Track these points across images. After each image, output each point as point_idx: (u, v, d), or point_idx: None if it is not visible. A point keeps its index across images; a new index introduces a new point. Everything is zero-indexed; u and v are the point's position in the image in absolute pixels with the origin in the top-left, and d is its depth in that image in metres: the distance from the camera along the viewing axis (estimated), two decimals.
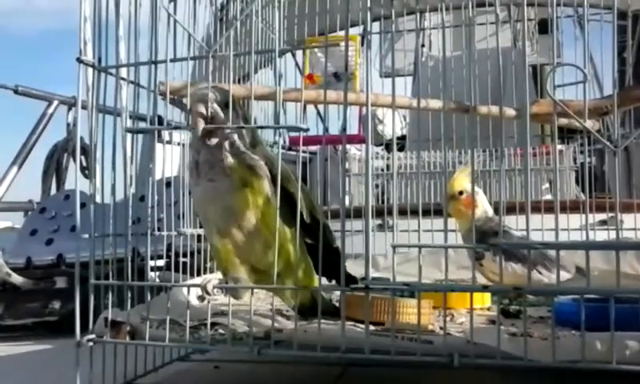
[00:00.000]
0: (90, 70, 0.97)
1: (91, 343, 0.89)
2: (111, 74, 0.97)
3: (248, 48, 1.24)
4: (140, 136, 1.10)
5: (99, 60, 0.96)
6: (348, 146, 2.03)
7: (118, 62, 0.98)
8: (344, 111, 0.88)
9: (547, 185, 2.21)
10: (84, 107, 1.00)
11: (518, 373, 0.85)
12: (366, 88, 0.88)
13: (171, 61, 0.91)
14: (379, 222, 1.56)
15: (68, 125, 3.02)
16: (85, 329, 0.91)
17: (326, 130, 1.50)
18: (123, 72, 1.01)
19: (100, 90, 0.97)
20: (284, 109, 1.49)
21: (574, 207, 1.35)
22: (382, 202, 1.92)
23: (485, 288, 0.82)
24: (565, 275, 1.06)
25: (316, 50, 1.88)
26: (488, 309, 1.10)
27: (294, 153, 2.31)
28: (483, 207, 1.16)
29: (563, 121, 1.13)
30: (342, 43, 1.54)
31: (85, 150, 1.90)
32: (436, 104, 1.15)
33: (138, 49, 0.99)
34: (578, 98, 1.00)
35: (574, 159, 2.15)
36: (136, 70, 0.98)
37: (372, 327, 0.80)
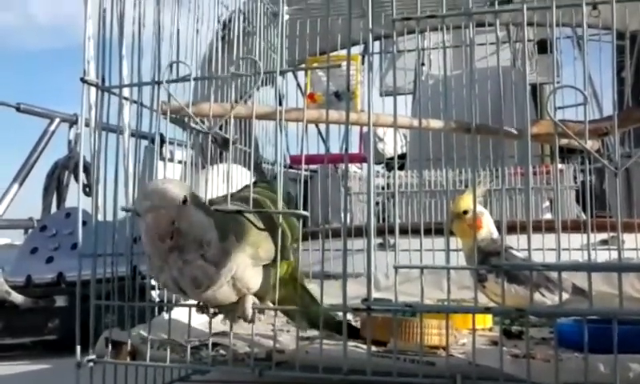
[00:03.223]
0: (93, 89, 0.98)
1: (91, 364, 0.88)
2: (114, 93, 0.98)
3: (249, 67, 1.25)
4: (141, 154, 1.10)
5: (102, 80, 0.97)
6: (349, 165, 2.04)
7: (121, 81, 0.99)
8: (345, 131, 0.89)
9: (548, 203, 2.21)
10: (87, 125, 1.01)
11: None
12: (368, 107, 0.88)
13: (173, 81, 0.92)
14: (380, 240, 1.56)
15: (69, 142, 3.03)
16: (85, 347, 0.91)
17: (327, 149, 1.51)
18: (126, 91, 1.02)
19: (103, 109, 0.98)
20: (285, 130, 1.50)
21: (574, 226, 1.35)
22: (383, 221, 1.93)
23: (487, 309, 0.81)
24: (565, 296, 1.06)
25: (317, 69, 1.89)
26: (490, 329, 1.09)
27: (294, 171, 2.32)
28: (488, 228, 1.16)
29: (563, 141, 1.13)
30: (344, 63, 1.56)
31: (86, 168, 1.90)
32: (437, 124, 1.16)
33: (141, 68, 1.00)
34: (577, 117, 1.01)
35: (574, 178, 2.16)
36: (139, 89, 0.99)
37: (374, 348, 0.80)
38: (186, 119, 1.11)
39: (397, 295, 0.76)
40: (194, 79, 0.92)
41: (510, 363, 0.73)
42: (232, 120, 0.92)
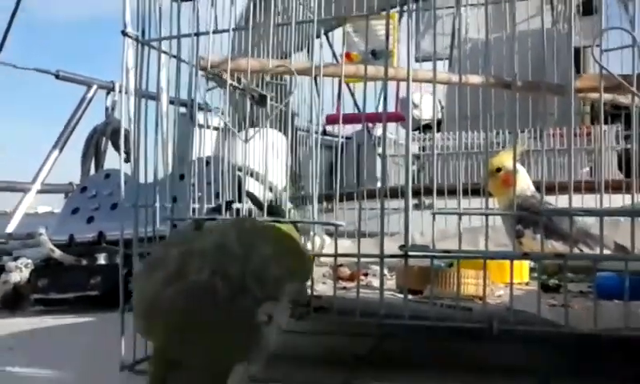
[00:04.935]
0: (132, 50, 0.99)
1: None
2: (154, 47, 0.99)
3: (286, 25, 1.25)
4: (177, 118, 1.12)
5: (142, 33, 0.98)
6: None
7: (160, 35, 1.00)
8: (383, 86, 0.89)
9: (587, 169, 2.17)
10: (124, 92, 1.02)
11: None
12: (407, 63, 0.88)
13: (213, 32, 0.92)
14: (415, 201, 1.56)
15: (106, 109, 3.09)
16: (126, 302, 0.94)
17: (364, 108, 1.50)
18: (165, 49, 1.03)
19: (143, 65, 1.00)
20: (318, 91, 1.50)
21: (616, 186, 1.32)
22: (419, 182, 1.92)
23: (525, 255, 0.81)
24: (607, 252, 1.04)
25: (351, 31, 1.87)
26: (527, 283, 1.09)
27: (329, 138, 2.32)
28: (522, 184, 1.15)
29: (607, 96, 1.10)
30: (381, 21, 1.54)
31: (125, 136, 1.94)
32: (476, 79, 1.14)
33: (180, 23, 1.01)
34: (623, 70, 0.97)
35: (617, 139, 2.11)
36: (178, 45, 1.01)
37: (410, 296, 0.80)
38: (224, 75, 1.12)
39: (434, 242, 0.76)
40: (234, 29, 0.92)
41: (547, 311, 0.73)
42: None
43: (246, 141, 0.98)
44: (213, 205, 1.21)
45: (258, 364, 0.60)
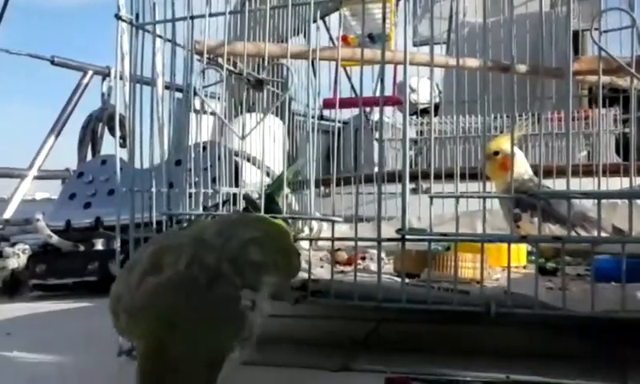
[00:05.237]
0: (126, 35, 0.98)
1: None
2: (148, 31, 0.98)
3: (283, 8, 1.24)
4: (174, 103, 1.11)
5: (137, 16, 0.97)
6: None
7: (155, 18, 0.99)
8: (380, 70, 0.88)
9: (585, 153, 2.17)
10: (120, 78, 1.01)
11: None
12: (405, 45, 0.87)
13: (209, 16, 0.91)
14: (413, 186, 1.56)
15: (102, 95, 3.08)
16: None
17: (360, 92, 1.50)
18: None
19: (138, 49, 0.99)
20: (315, 74, 1.49)
21: (614, 170, 1.32)
22: (416, 165, 1.92)
23: (523, 238, 0.81)
24: (603, 235, 1.05)
25: (348, 14, 1.87)
26: (524, 267, 1.09)
27: (326, 122, 2.32)
28: (520, 168, 1.14)
29: (606, 79, 1.10)
30: (377, 5, 1.53)
31: (120, 121, 1.94)
32: (473, 63, 1.14)
33: (174, 8, 1.00)
34: (622, 53, 0.97)
35: (615, 122, 2.10)
36: (173, 28, 1.00)
37: (407, 280, 0.80)
38: (220, 60, 1.11)
39: (431, 225, 0.76)
40: (230, 13, 0.91)
41: (545, 293, 0.73)
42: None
43: (243, 138, 0.97)
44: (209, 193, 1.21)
45: (247, 350, 0.59)
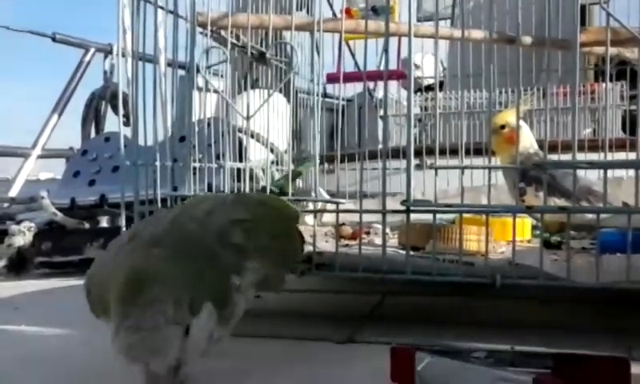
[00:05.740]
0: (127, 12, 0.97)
1: None
2: (150, 1, 0.97)
3: None
4: (177, 79, 1.10)
5: None
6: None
7: None
8: (385, 43, 0.87)
9: (590, 130, 2.15)
10: (122, 55, 1.00)
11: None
12: (409, 17, 0.86)
13: None
14: (417, 161, 1.55)
15: (105, 72, 3.06)
16: None
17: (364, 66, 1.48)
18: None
19: (140, 22, 0.98)
20: (318, 51, 1.47)
21: (619, 145, 1.31)
22: (420, 142, 1.91)
23: (529, 208, 0.81)
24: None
25: None
26: (529, 241, 1.09)
27: (330, 100, 2.30)
28: (525, 142, 1.14)
29: (613, 51, 1.08)
30: None
31: (123, 99, 1.93)
32: (478, 34, 1.12)
33: None
34: (629, 24, 0.95)
35: (622, 97, 2.08)
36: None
37: (412, 252, 0.80)
38: (223, 32, 1.10)
39: (436, 197, 0.76)
40: None
41: (549, 264, 0.73)
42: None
43: (248, 118, 0.96)
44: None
45: (226, 330, 0.57)
